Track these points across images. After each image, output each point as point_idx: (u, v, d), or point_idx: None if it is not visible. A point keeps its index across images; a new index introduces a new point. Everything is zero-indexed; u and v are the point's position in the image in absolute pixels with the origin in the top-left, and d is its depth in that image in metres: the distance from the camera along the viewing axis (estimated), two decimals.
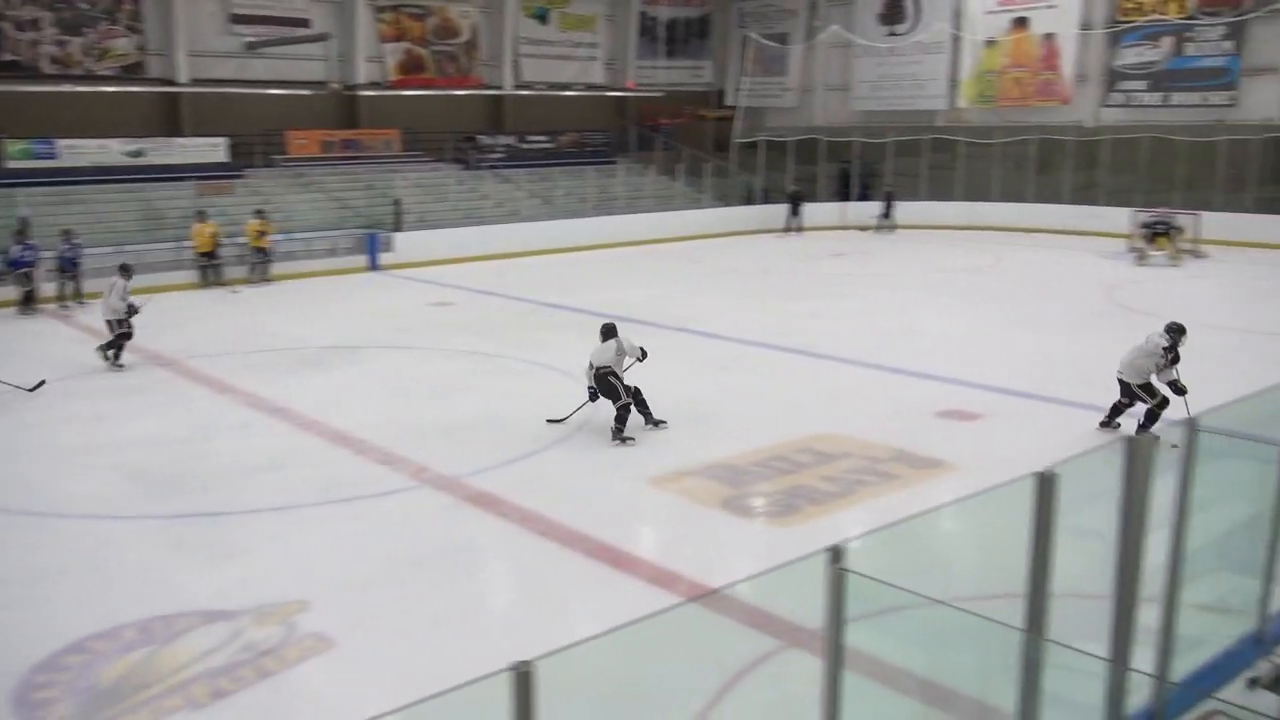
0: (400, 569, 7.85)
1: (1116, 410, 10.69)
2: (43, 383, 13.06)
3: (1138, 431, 10.15)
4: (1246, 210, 26.45)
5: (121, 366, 14.11)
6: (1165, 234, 23.38)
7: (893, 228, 30.14)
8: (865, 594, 4.01)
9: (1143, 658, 4.48)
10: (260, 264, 21.70)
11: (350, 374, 13.94)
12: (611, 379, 10.86)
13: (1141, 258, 23.30)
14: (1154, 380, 10.34)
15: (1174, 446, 4.13)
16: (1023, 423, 11.32)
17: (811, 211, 30.76)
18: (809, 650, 5.57)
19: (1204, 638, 4.88)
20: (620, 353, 10.92)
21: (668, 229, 28.71)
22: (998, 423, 11.35)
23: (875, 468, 9.92)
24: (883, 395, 12.67)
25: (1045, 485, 3.24)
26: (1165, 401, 10.23)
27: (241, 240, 21.78)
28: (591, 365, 10.94)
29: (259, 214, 21.88)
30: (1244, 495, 5.82)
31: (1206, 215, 24.84)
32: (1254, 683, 4.44)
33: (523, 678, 2.35)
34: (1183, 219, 23.97)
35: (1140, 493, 3.70)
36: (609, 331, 11.14)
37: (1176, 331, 10.46)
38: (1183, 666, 4.76)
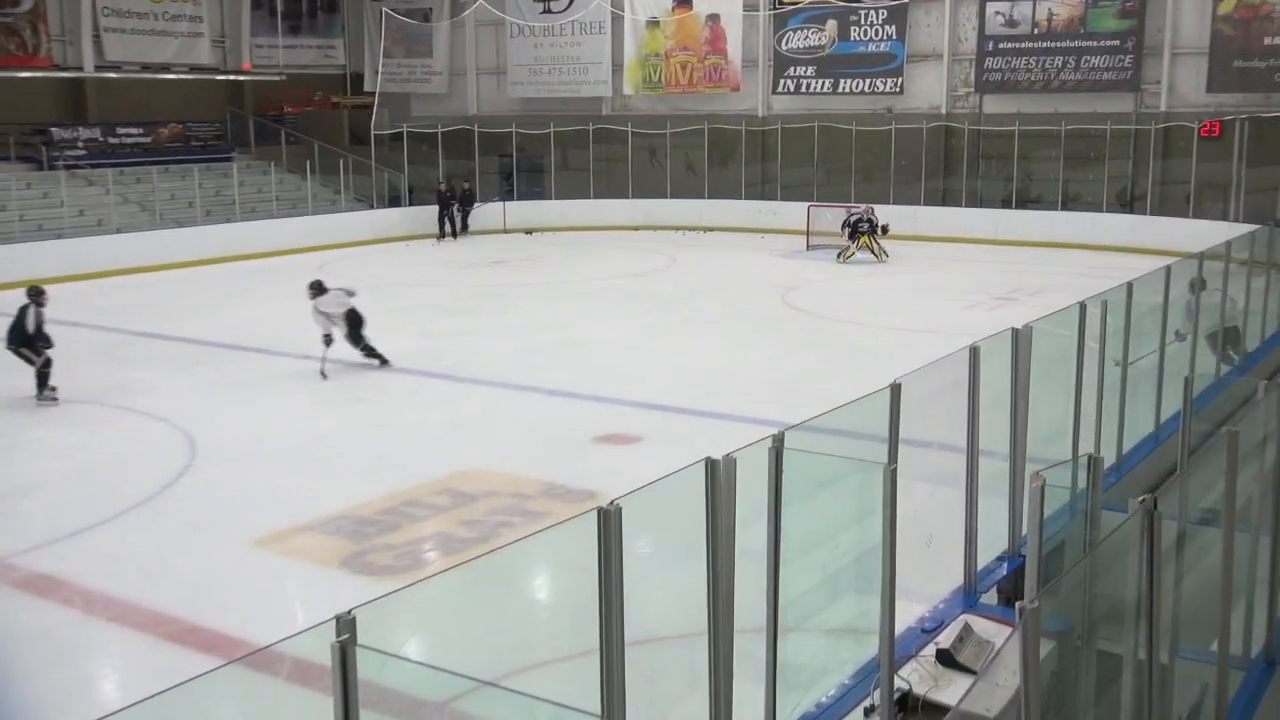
0: None
1: None
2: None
3: None
4: (919, 203, 29.06)
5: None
6: (869, 232, 25.14)
7: (460, 234, 30.61)
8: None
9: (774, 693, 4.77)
10: None
11: None
12: (358, 313, 14.71)
13: (844, 255, 24.99)
14: None
15: None
16: (684, 443, 11.79)
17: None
18: None
19: (830, 666, 5.26)
20: (351, 294, 14.80)
21: (299, 237, 27.88)
22: (658, 445, 11.81)
23: (522, 506, 10.06)
24: (537, 421, 12.90)
25: (609, 522, 3.37)
26: None
27: None
28: (329, 315, 14.48)
29: None
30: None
31: (883, 209, 26.93)
32: (870, 711, 4.84)
33: None
34: (882, 215, 25.76)
35: (725, 520, 3.93)
36: (321, 286, 14.72)
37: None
38: (810, 698, 5.11)
